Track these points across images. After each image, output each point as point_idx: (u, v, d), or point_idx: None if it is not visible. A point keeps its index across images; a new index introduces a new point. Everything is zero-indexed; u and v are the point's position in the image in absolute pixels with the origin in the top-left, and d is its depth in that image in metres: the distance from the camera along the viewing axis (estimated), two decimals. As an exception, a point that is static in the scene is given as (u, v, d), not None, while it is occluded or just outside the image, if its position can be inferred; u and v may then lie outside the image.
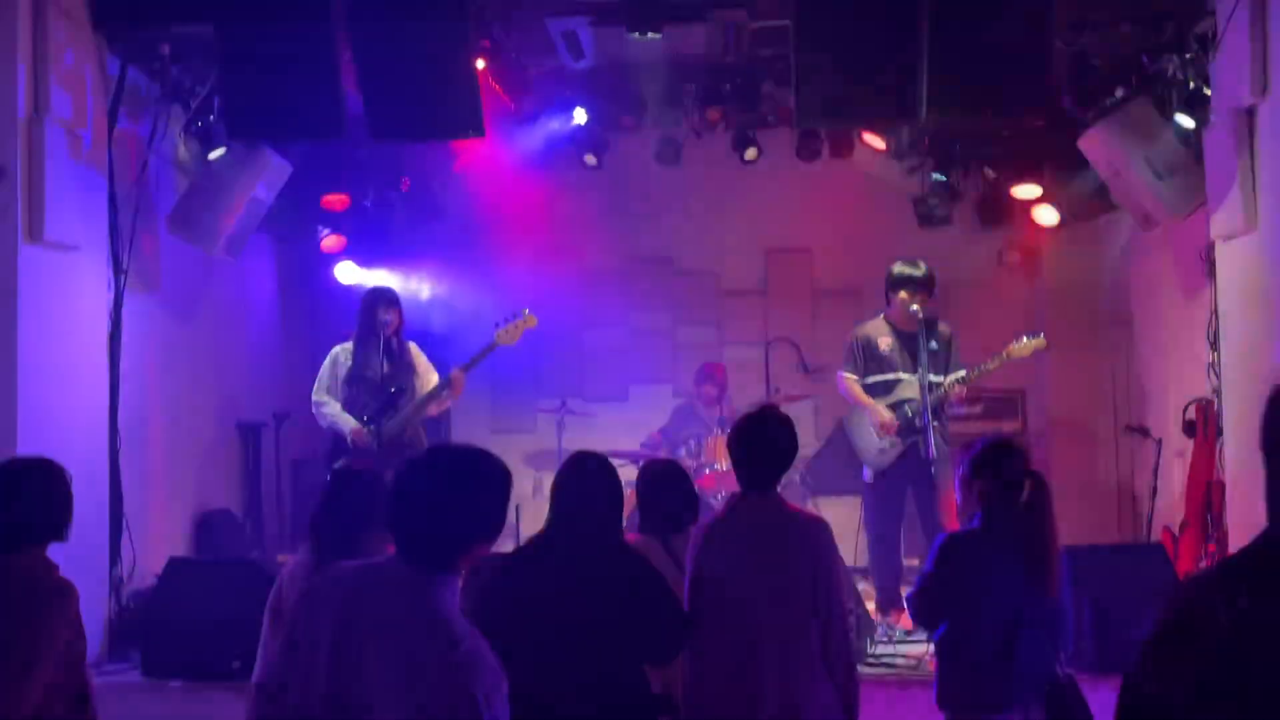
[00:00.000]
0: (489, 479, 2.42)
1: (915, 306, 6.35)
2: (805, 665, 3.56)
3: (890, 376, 6.47)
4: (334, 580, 2.42)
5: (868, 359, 6.53)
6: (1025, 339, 6.43)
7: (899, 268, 6.51)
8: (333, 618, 2.31)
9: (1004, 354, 6.40)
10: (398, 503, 2.38)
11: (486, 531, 2.41)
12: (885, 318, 6.58)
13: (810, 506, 7.37)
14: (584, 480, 3.61)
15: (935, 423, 6.23)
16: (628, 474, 7.36)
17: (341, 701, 2.26)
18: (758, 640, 3.56)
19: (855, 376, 6.57)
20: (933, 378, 6.32)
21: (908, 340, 6.41)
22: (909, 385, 6.36)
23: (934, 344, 6.41)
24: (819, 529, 3.70)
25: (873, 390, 6.52)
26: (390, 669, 2.24)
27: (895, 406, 6.43)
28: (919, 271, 6.45)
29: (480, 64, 5.77)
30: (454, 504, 2.35)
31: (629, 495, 4.18)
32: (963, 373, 6.39)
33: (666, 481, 4.39)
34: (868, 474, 6.55)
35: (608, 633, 3.36)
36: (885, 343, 6.49)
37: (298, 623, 2.40)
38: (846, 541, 6.42)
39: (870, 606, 6.30)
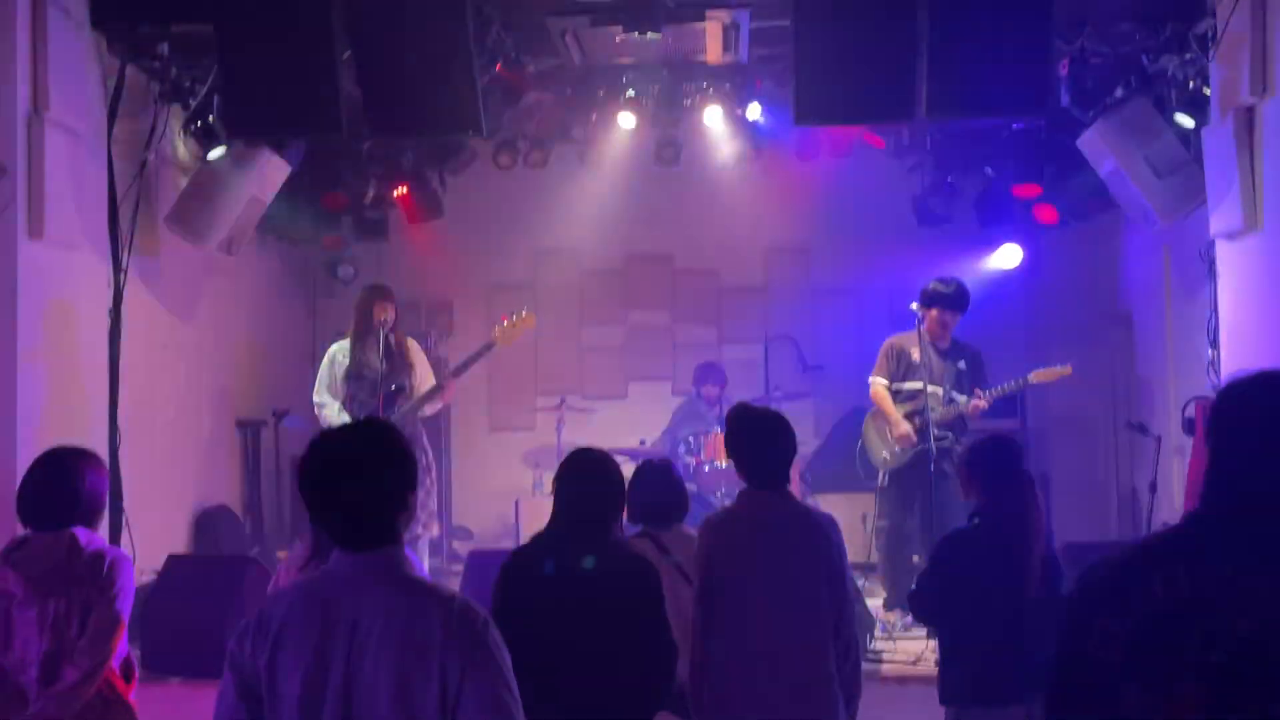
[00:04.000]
0: (381, 432, 2.41)
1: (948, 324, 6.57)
2: (816, 662, 3.57)
3: (917, 385, 6.61)
4: (286, 606, 2.32)
5: (900, 366, 6.71)
6: (1049, 369, 6.62)
7: (933, 285, 6.67)
8: (311, 637, 2.24)
9: (1027, 377, 6.59)
10: (323, 501, 2.34)
11: (409, 481, 2.37)
12: (918, 331, 6.69)
13: (810, 504, 7.39)
14: (588, 476, 3.63)
15: (951, 435, 6.49)
16: (629, 470, 7.44)
17: (351, 708, 2.21)
18: (768, 636, 3.57)
19: (886, 382, 6.74)
20: (957, 396, 6.53)
21: (937, 355, 6.60)
22: (932, 396, 6.51)
23: (962, 363, 6.63)
24: (828, 526, 3.71)
25: (898, 396, 6.70)
26: (394, 653, 2.20)
27: (915, 414, 6.56)
28: (949, 289, 6.62)
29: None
30: (369, 470, 2.33)
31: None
32: (983, 393, 6.56)
33: (657, 478, 4.42)
34: (882, 477, 6.73)
35: (614, 629, 3.38)
36: (916, 354, 6.64)
37: (258, 663, 2.26)
38: (846, 538, 6.48)
39: (871, 603, 6.35)
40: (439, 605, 2.25)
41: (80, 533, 3.54)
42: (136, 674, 3.70)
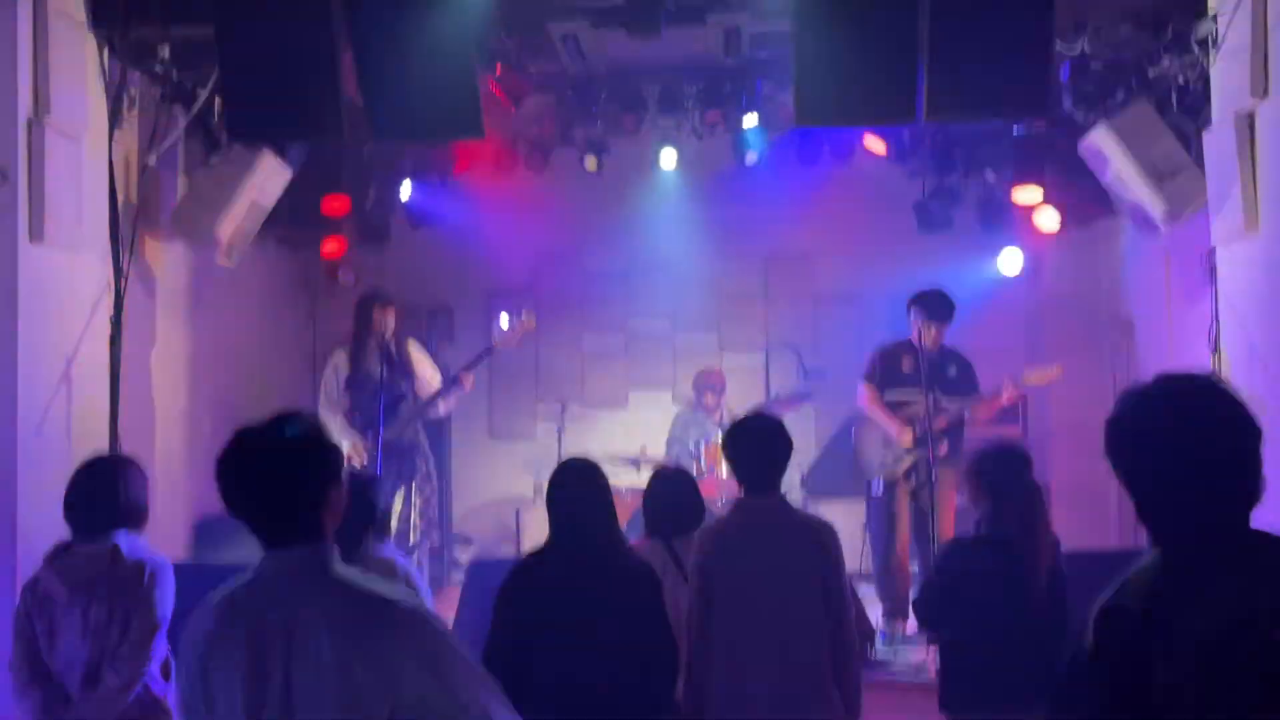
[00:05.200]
0: (295, 424, 2.37)
1: (934, 331, 6.55)
2: (813, 668, 3.55)
3: (905, 397, 6.62)
4: (212, 622, 2.28)
5: (888, 375, 6.70)
6: (1040, 369, 6.67)
7: (929, 295, 6.69)
8: (241, 652, 2.18)
9: (1022, 377, 6.61)
10: (242, 496, 2.33)
11: (329, 477, 2.35)
12: (909, 341, 6.71)
13: (810, 511, 7.38)
14: (579, 486, 3.63)
15: (946, 440, 6.45)
16: (630, 478, 7.44)
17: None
18: (765, 643, 3.55)
19: (874, 389, 6.73)
20: (949, 404, 6.52)
21: (927, 365, 6.57)
22: (921, 405, 6.49)
23: (953, 370, 6.64)
24: (826, 532, 3.70)
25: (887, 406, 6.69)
26: (333, 660, 2.13)
27: (912, 421, 6.57)
28: (937, 299, 6.63)
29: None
30: (284, 463, 2.31)
31: (631, 501, 4.20)
32: (972, 398, 6.60)
33: (675, 488, 4.44)
34: (877, 486, 6.71)
35: (616, 636, 3.37)
36: (907, 363, 6.66)
37: (193, 678, 2.24)
38: (847, 545, 6.48)
39: (871, 611, 6.32)
40: (385, 611, 2.19)
41: (122, 540, 3.63)
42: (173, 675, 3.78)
